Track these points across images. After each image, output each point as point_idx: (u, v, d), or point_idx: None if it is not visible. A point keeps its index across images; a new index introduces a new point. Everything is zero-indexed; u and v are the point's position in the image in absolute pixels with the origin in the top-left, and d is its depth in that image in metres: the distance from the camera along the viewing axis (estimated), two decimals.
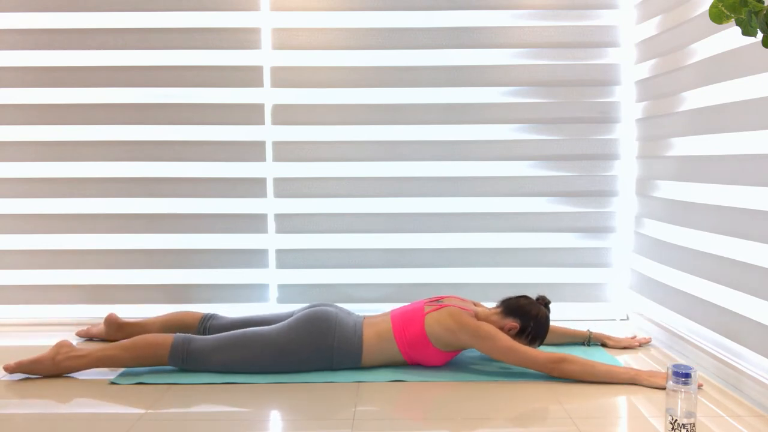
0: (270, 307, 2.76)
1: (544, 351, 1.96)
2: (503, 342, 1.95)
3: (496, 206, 2.74)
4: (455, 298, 2.18)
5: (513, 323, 2.05)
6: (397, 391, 1.90)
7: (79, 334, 2.44)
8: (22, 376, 2.02)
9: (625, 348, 2.31)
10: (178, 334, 2.04)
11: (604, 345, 2.33)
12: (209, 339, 2.03)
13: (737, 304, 1.90)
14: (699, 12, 2.10)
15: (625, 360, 2.17)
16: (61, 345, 2.02)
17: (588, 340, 2.32)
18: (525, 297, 2.14)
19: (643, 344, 2.34)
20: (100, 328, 2.42)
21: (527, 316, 2.06)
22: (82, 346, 2.06)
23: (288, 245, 2.76)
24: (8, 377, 2.01)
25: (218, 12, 2.67)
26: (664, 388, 1.80)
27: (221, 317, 2.29)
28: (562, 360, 1.92)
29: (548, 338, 2.21)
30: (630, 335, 2.40)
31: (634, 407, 1.76)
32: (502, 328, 2.03)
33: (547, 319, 2.10)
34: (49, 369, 1.98)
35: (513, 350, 1.94)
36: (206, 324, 2.26)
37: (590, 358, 2.11)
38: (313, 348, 2.01)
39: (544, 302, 2.14)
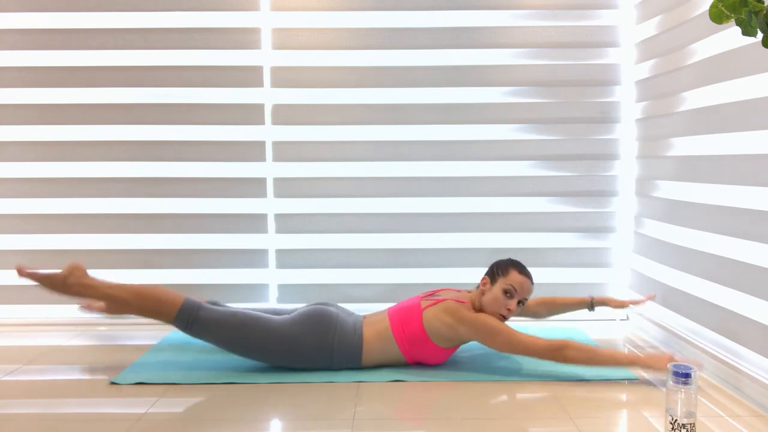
0: (270, 307, 2.75)
1: (544, 338, 1.95)
2: (503, 334, 1.95)
3: (496, 206, 2.74)
4: (450, 290, 2.18)
5: (483, 279, 2.12)
6: (397, 391, 1.90)
7: (82, 306, 2.39)
8: (24, 376, 2.03)
9: (631, 304, 2.37)
10: (189, 297, 2.03)
11: (607, 306, 2.36)
12: (218, 311, 2.02)
13: (737, 304, 1.90)
14: (699, 12, 2.10)
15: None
16: (75, 267, 2.00)
17: (591, 305, 2.32)
18: None
19: (650, 299, 2.37)
20: (101, 304, 2.36)
21: (489, 269, 2.13)
22: (95, 275, 2.03)
23: (288, 245, 2.76)
24: (8, 377, 2.02)
25: (218, 12, 2.67)
26: (664, 371, 1.80)
27: (221, 305, 2.27)
28: (563, 346, 1.91)
29: (550, 309, 2.30)
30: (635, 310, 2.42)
31: (634, 407, 1.76)
32: (482, 293, 2.08)
33: (504, 258, 2.14)
34: (58, 287, 1.98)
35: (513, 341, 1.95)
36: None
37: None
38: (314, 345, 2.01)
39: None
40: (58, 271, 2.00)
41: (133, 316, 2.15)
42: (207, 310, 2.01)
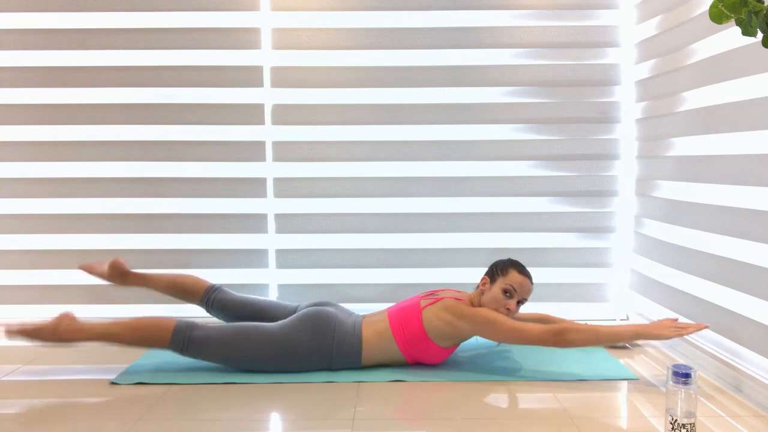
0: None
1: (544, 325, 1.95)
2: (503, 324, 1.95)
3: (496, 206, 2.74)
4: (450, 290, 2.18)
5: (482, 278, 2.12)
6: (397, 391, 1.90)
7: (82, 267, 2.37)
8: (24, 376, 2.03)
9: (627, 344, 2.32)
10: (180, 319, 2.03)
11: None
12: (211, 329, 2.02)
13: (737, 304, 1.90)
14: (699, 12, 2.10)
15: (624, 361, 2.17)
16: (64, 317, 2.00)
17: None
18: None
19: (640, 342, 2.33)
20: (103, 269, 2.34)
21: (488, 269, 2.14)
22: (84, 319, 2.03)
23: (288, 245, 2.76)
24: (8, 377, 2.02)
25: (218, 12, 2.67)
26: (669, 338, 1.85)
27: (226, 292, 2.29)
28: (564, 331, 1.91)
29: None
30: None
31: (634, 407, 1.76)
32: (482, 293, 2.08)
33: (503, 258, 2.15)
34: (49, 338, 1.97)
35: (514, 330, 1.94)
36: (211, 296, 2.26)
37: (590, 358, 2.13)
38: (313, 347, 2.01)
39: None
40: (48, 321, 1.98)
41: (132, 286, 2.16)
42: (200, 328, 2.01)
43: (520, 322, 1.97)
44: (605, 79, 2.70)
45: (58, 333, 1.97)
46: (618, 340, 1.94)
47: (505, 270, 2.08)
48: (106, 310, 2.54)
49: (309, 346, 2.01)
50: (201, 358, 2.01)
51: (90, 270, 2.36)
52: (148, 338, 1.99)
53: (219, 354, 2.00)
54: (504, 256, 2.17)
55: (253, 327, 2.03)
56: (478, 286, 2.14)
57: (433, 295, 2.13)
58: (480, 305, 2.07)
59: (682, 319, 2.22)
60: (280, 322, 2.07)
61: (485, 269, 2.15)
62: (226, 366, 2.03)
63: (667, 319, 1.95)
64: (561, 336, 1.91)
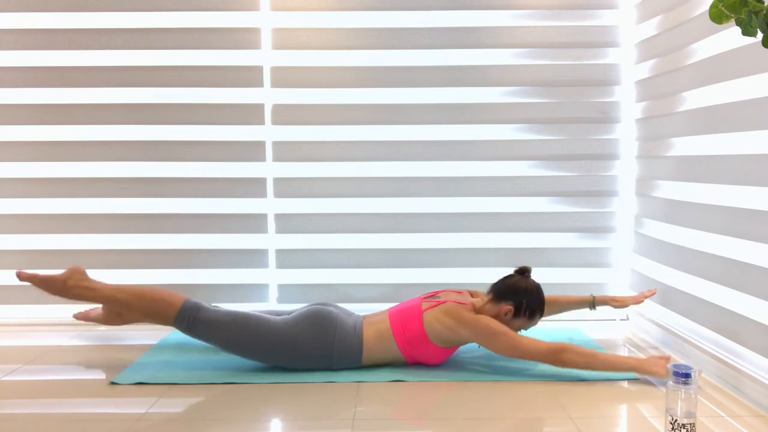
0: (270, 307, 2.76)
1: (544, 341, 1.95)
2: (503, 336, 1.95)
3: (496, 206, 2.74)
4: (451, 291, 2.18)
5: (507, 306, 2.05)
6: (397, 391, 1.90)
7: (76, 317, 2.34)
8: (24, 376, 2.03)
9: (632, 303, 2.32)
10: (189, 298, 2.03)
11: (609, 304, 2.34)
12: (217, 312, 2.02)
13: (737, 304, 1.90)
14: (699, 12, 2.10)
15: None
16: (75, 271, 2.01)
17: (592, 304, 2.31)
18: (509, 276, 2.13)
19: (650, 296, 2.32)
20: (98, 311, 2.30)
21: (517, 294, 2.06)
22: (95, 278, 2.04)
23: (288, 245, 2.76)
24: (8, 377, 2.02)
25: (218, 12, 2.67)
26: (664, 376, 1.82)
27: (219, 308, 2.27)
28: (562, 350, 1.92)
29: (551, 308, 2.23)
30: (634, 296, 2.37)
31: (634, 407, 1.76)
32: (498, 314, 2.04)
33: (538, 289, 2.09)
34: (58, 290, 1.99)
35: (513, 344, 1.95)
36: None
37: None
38: (314, 345, 2.01)
39: (522, 272, 2.12)
40: (58, 273, 2.00)
41: (130, 323, 2.15)
42: (207, 310, 2.01)
43: (521, 336, 1.96)
44: (605, 79, 2.70)
45: (67, 287, 1.98)
46: (613, 369, 1.94)
47: (533, 315, 2.07)
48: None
49: (311, 345, 2.01)
50: (203, 339, 2.01)
51: (86, 317, 2.35)
52: (154, 310, 2.00)
53: (221, 337, 2.00)
54: (520, 264, 2.13)
55: (258, 317, 2.03)
56: (489, 292, 2.11)
57: (435, 297, 2.12)
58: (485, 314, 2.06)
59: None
60: (283, 317, 2.08)
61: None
62: (227, 351, 2.03)
63: (662, 357, 1.96)
64: (558, 355, 1.92)
